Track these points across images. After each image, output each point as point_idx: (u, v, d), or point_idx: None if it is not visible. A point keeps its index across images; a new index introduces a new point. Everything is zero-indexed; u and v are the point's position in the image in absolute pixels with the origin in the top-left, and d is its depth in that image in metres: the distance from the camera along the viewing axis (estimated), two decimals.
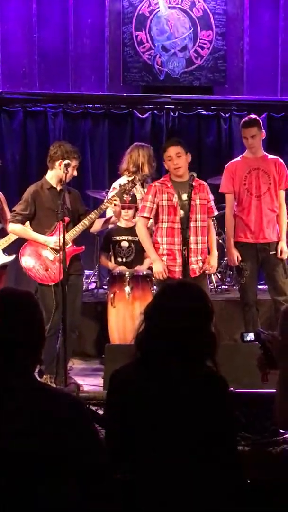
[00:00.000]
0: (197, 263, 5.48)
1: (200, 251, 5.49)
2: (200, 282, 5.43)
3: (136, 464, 2.35)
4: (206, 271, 5.56)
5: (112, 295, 5.55)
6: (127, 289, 5.49)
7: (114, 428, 2.44)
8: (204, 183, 5.66)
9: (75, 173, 5.52)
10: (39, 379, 2.16)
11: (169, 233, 5.39)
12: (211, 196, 5.65)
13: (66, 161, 5.25)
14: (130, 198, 5.79)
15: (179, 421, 2.34)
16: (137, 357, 2.47)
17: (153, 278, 5.64)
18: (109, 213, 5.76)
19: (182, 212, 5.43)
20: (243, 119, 6.21)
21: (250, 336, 3.11)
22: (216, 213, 5.67)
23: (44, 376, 5.18)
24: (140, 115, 9.05)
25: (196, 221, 5.47)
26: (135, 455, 2.36)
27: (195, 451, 2.34)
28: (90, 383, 5.44)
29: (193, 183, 5.37)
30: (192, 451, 2.33)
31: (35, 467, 1.92)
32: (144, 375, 2.40)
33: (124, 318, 5.47)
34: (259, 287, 6.35)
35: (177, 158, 5.43)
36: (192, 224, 5.43)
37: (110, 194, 6.07)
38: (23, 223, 5.48)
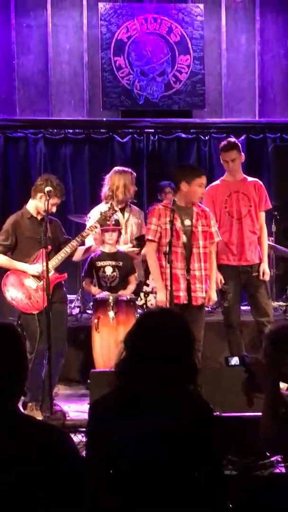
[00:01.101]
0: (201, 291, 5.47)
1: (203, 278, 5.48)
2: (200, 311, 5.47)
3: (117, 491, 2.35)
4: (205, 305, 5.58)
5: (96, 320, 5.55)
6: (111, 314, 5.48)
7: (94, 460, 2.43)
8: (207, 209, 5.66)
9: (54, 210, 5.47)
10: (23, 410, 2.14)
11: (173, 258, 5.36)
12: (213, 222, 5.66)
13: (48, 188, 5.26)
14: (113, 222, 5.80)
15: (161, 448, 2.34)
16: (117, 385, 2.48)
17: (136, 303, 5.65)
18: (89, 241, 5.77)
19: (184, 238, 5.44)
20: (222, 143, 6.26)
21: (235, 360, 3.13)
22: (217, 239, 5.67)
23: (30, 404, 5.16)
24: (120, 139, 9.12)
25: (198, 247, 5.48)
26: (115, 482, 2.35)
27: (180, 477, 2.34)
28: (76, 410, 5.41)
29: (194, 208, 5.43)
30: (177, 477, 2.34)
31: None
32: (124, 404, 2.40)
33: (109, 343, 5.46)
34: (242, 308, 6.38)
35: (201, 189, 5.51)
36: (194, 250, 5.45)
37: (88, 224, 6.06)
38: (4, 253, 5.49)
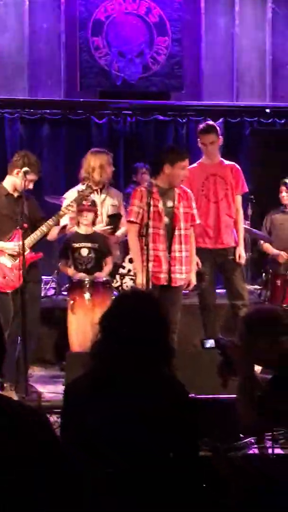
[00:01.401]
0: (180, 273, 5.48)
1: (184, 259, 5.49)
2: (178, 293, 5.49)
3: (93, 473, 2.35)
4: (186, 289, 5.59)
5: (72, 302, 5.53)
6: (87, 295, 5.47)
7: (69, 441, 2.44)
8: (188, 190, 5.65)
9: (31, 186, 5.43)
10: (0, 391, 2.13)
11: (155, 239, 5.36)
12: (194, 204, 5.66)
13: (25, 169, 5.22)
14: (89, 203, 5.77)
15: (136, 429, 2.34)
16: (92, 367, 2.49)
17: (115, 285, 5.65)
18: (65, 220, 5.74)
19: (166, 219, 5.43)
20: (201, 125, 6.25)
21: (210, 343, 3.16)
22: (198, 221, 5.67)
23: (5, 385, 5.15)
24: (98, 121, 9.08)
25: (180, 229, 5.48)
26: (91, 464, 2.36)
27: (155, 458, 2.35)
28: (51, 391, 5.41)
29: (176, 189, 5.42)
30: (152, 458, 2.35)
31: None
32: (98, 386, 2.40)
33: (84, 325, 5.44)
34: (217, 291, 6.40)
35: (184, 172, 5.48)
36: (176, 232, 5.45)
37: (64, 203, 6.03)
38: None
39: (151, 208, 5.36)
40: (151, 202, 5.32)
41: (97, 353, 2.48)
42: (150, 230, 5.37)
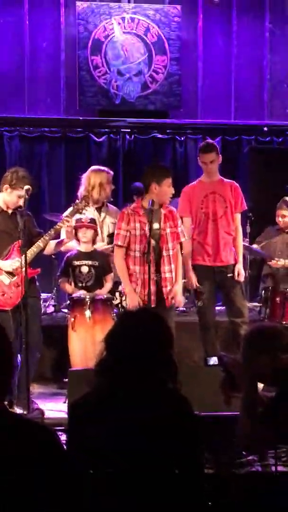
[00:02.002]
0: (171, 293, 5.51)
1: (173, 279, 5.51)
2: (170, 311, 5.52)
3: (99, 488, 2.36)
4: (173, 302, 5.58)
5: (72, 319, 5.54)
6: (88, 313, 5.48)
7: (76, 457, 2.45)
8: (174, 209, 5.68)
9: (20, 203, 5.32)
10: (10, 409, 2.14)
11: (142, 262, 5.39)
12: (179, 222, 5.68)
13: (27, 187, 5.23)
14: (88, 220, 5.78)
15: (142, 444, 2.36)
16: (97, 385, 2.50)
17: (115, 303, 5.66)
18: (62, 235, 5.76)
19: (153, 241, 5.43)
20: (201, 144, 6.31)
21: (214, 360, 3.18)
22: (183, 238, 5.69)
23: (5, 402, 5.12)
24: (97, 139, 9.13)
25: (168, 250, 5.50)
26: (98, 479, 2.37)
27: (159, 474, 2.36)
28: (51, 408, 5.40)
29: (161, 210, 5.44)
30: (156, 474, 2.36)
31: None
32: (104, 402, 2.42)
33: (85, 342, 5.46)
34: (217, 308, 6.42)
35: (171, 189, 5.51)
36: (164, 253, 5.48)
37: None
38: None
39: (138, 232, 5.41)
40: (139, 225, 5.41)
41: (102, 371, 2.49)
42: (138, 254, 5.42)
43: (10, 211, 5.42)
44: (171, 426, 2.39)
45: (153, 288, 5.39)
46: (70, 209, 5.79)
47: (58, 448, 2.08)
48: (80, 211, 5.64)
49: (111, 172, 6.27)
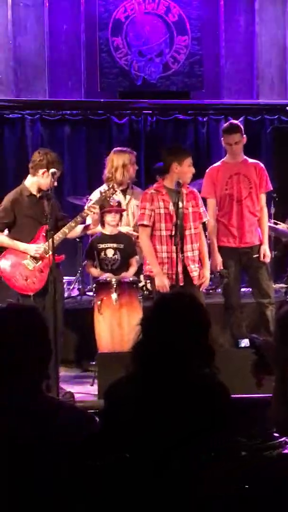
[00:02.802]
0: (196, 271, 5.54)
1: (196, 258, 5.54)
2: (198, 291, 5.48)
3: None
4: (202, 284, 5.58)
5: (99, 302, 5.54)
6: (114, 296, 5.47)
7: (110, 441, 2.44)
8: (195, 190, 5.68)
9: (55, 183, 5.45)
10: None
11: (168, 241, 5.39)
12: (201, 202, 5.67)
13: (53, 170, 5.23)
14: (116, 204, 5.78)
15: (178, 432, 2.34)
16: (132, 369, 2.48)
17: (139, 285, 5.65)
18: (88, 220, 5.75)
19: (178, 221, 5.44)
20: (225, 125, 6.25)
21: (245, 342, 3.16)
22: (205, 219, 5.68)
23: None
24: (118, 121, 9.07)
25: (190, 228, 5.50)
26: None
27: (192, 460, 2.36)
28: (79, 391, 5.42)
29: (183, 190, 5.41)
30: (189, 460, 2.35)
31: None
32: (141, 389, 2.40)
33: (112, 325, 5.46)
34: (242, 290, 6.39)
35: (191, 169, 5.51)
36: (187, 232, 5.48)
37: (87, 204, 6.05)
38: (2, 231, 5.44)
39: (162, 211, 5.39)
40: (162, 203, 5.44)
41: (138, 355, 2.47)
42: (164, 233, 5.41)
43: (38, 195, 5.41)
44: (207, 413, 2.38)
45: (180, 267, 5.38)
46: (97, 195, 5.78)
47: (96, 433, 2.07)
48: (108, 198, 5.62)
49: (134, 152, 6.26)
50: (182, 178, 5.48)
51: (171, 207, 5.42)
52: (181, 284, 5.36)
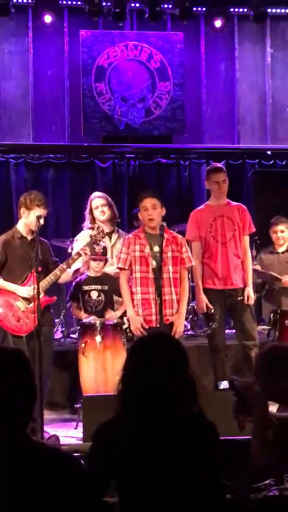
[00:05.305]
0: (171, 315, 5.50)
1: (174, 302, 5.53)
2: (171, 330, 5.48)
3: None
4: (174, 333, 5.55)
5: (83, 345, 5.54)
6: (98, 338, 5.48)
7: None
8: (179, 236, 5.71)
9: (42, 222, 5.51)
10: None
11: (143, 283, 5.45)
12: (185, 248, 5.69)
13: (38, 214, 5.30)
14: (101, 250, 5.84)
15: (171, 472, 2.36)
16: (120, 411, 2.49)
17: (123, 328, 5.66)
18: (77, 264, 5.79)
19: (154, 263, 5.47)
20: (211, 166, 6.34)
21: (224, 384, 3.16)
22: (189, 264, 5.70)
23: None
24: (102, 165, 9.18)
25: (168, 272, 5.52)
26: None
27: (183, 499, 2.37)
28: (63, 435, 5.37)
29: (165, 234, 5.46)
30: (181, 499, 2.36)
31: None
32: (130, 429, 2.41)
33: (96, 368, 5.45)
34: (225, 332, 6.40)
35: (152, 209, 5.50)
36: (165, 275, 5.49)
37: (75, 245, 6.13)
38: None
39: (138, 254, 5.47)
40: (138, 247, 5.49)
41: (122, 397, 2.48)
42: (138, 275, 5.46)
43: (29, 237, 5.47)
44: (199, 451, 2.39)
45: (155, 308, 5.40)
46: (84, 236, 5.86)
47: (82, 475, 2.07)
48: (98, 242, 5.70)
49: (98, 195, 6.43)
50: (144, 223, 5.57)
51: (146, 250, 5.48)
52: (157, 325, 5.37)
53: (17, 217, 5.72)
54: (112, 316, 5.79)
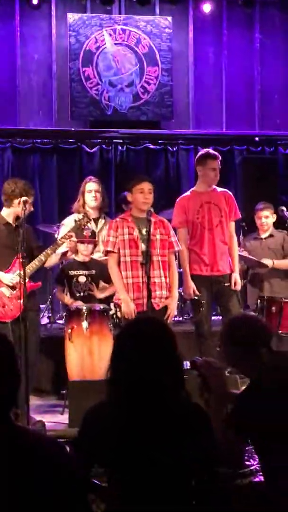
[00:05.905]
0: (161, 298, 5.51)
1: (163, 284, 5.52)
2: (161, 316, 5.47)
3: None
4: (167, 318, 5.55)
5: (69, 331, 5.52)
6: (85, 324, 5.47)
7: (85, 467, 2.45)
8: (165, 220, 5.70)
9: (32, 208, 5.52)
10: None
11: (134, 267, 5.42)
12: (173, 232, 5.69)
13: (24, 198, 5.26)
14: (90, 234, 5.82)
15: (164, 458, 2.36)
16: (109, 395, 2.48)
17: (110, 313, 5.64)
18: (62, 248, 5.76)
19: (143, 246, 5.46)
20: (207, 152, 6.28)
21: (186, 365, 3.13)
22: (177, 248, 5.70)
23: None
24: (89, 150, 9.14)
25: (157, 255, 5.51)
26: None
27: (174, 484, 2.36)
28: (50, 420, 5.37)
29: (151, 218, 5.43)
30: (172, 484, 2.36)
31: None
32: (121, 417, 2.40)
33: (83, 353, 5.44)
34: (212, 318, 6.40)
35: (149, 194, 5.50)
36: (154, 258, 5.46)
37: (61, 230, 6.11)
38: None
39: (127, 237, 5.43)
40: (127, 230, 5.46)
41: (113, 380, 2.47)
42: (128, 258, 5.43)
43: (14, 225, 5.44)
44: (192, 439, 2.39)
45: (145, 292, 5.39)
46: (71, 222, 5.83)
47: (69, 462, 2.06)
48: (82, 227, 5.68)
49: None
50: (136, 206, 5.53)
51: (135, 233, 5.46)
52: (145, 309, 5.36)
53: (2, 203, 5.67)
54: (104, 286, 5.77)
